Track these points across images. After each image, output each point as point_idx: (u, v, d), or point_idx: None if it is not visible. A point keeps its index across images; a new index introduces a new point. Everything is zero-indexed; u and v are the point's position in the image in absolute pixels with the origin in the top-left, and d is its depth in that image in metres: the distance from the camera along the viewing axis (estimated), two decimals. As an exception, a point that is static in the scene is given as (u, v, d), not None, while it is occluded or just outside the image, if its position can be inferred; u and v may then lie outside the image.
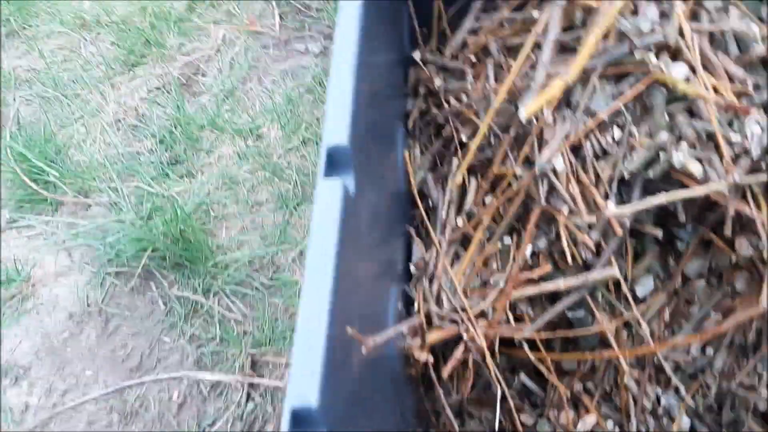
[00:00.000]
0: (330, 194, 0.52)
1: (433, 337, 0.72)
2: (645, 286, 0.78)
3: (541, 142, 0.75)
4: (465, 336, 0.71)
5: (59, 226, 1.37)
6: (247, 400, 1.16)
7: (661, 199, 0.70)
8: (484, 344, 0.70)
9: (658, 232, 0.75)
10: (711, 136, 0.70)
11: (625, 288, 0.74)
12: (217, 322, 1.24)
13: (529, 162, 0.77)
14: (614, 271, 0.72)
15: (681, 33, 0.74)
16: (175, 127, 1.45)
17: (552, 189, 0.75)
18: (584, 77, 0.76)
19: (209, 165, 1.41)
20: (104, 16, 1.63)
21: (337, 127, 0.55)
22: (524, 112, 0.71)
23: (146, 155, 1.42)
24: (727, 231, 0.69)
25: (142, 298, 1.28)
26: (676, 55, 0.75)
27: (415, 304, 0.77)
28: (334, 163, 0.54)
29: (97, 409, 1.19)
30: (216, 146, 1.44)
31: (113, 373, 1.22)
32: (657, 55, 0.75)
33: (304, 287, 0.48)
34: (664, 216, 0.76)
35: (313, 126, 1.44)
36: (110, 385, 1.21)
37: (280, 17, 1.61)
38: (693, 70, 0.74)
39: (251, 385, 1.17)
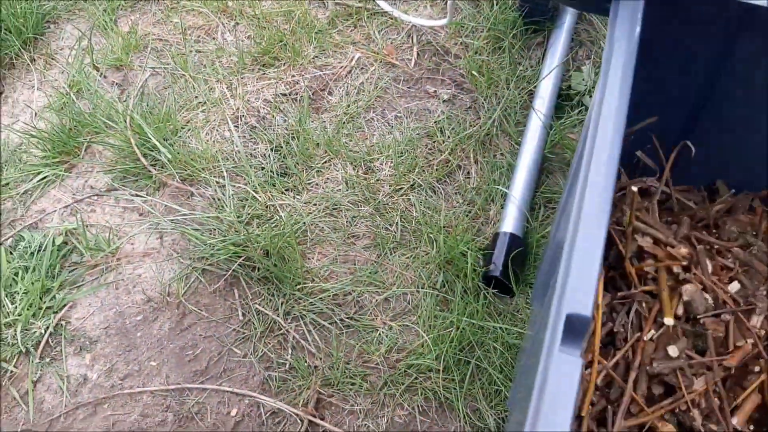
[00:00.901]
0: (567, 371, 0.48)
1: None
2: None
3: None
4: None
5: (158, 207, 1.37)
6: (302, 437, 1.14)
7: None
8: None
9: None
10: None
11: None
12: (290, 348, 1.22)
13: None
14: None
15: None
16: (293, 139, 1.44)
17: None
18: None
19: (316, 185, 1.40)
20: (248, 8, 1.63)
21: (582, 291, 0.51)
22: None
23: (258, 159, 1.41)
24: None
25: (223, 302, 1.26)
26: None
27: None
28: (573, 331, 0.50)
29: (153, 402, 1.18)
30: (327, 168, 1.42)
31: (177, 371, 1.20)
32: None
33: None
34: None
35: (426, 172, 1.41)
36: (172, 382, 1.19)
37: (418, 54, 1.60)
38: None
39: (311, 423, 1.15)
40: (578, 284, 0.53)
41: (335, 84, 1.54)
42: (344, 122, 1.48)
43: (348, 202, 1.38)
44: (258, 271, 1.27)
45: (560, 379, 0.48)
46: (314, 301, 1.25)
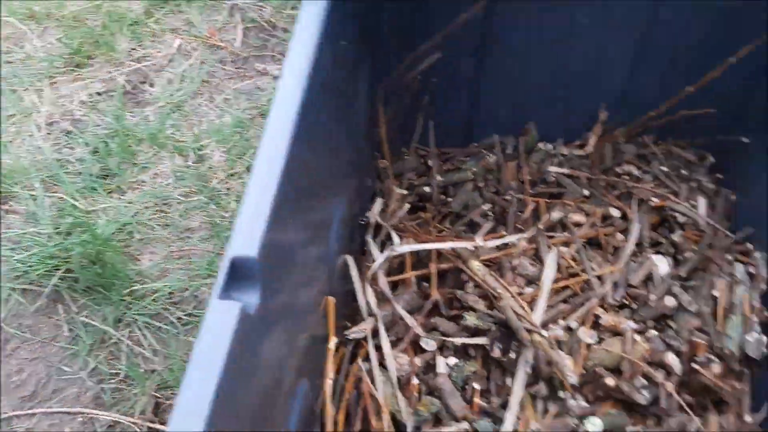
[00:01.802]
0: (224, 318, 0.44)
1: None
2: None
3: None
4: None
5: (-31, 231, 1.27)
6: (143, 447, 1.07)
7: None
8: None
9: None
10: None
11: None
12: (124, 357, 1.14)
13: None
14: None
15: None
16: (112, 138, 1.35)
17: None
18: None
19: (142, 182, 1.32)
20: (55, 10, 1.54)
21: (249, 233, 0.46)
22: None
23: (75, 165, 1.32)
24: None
25: (46, 320, 1.18)
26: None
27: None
28: (238, 276, 0.46)
29: (-22, 438, 1.09)
30: (153, 163, 1.34)
31: (4, 400, 1.11)
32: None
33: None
34: None
35: (261, 153, 1.35)
36: (-2, 413, 1.10)
37: (243, 33, 1.53)
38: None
39: (151, 430, 1.08)
40: (244, 227, 0.48)
41: (156, 75, 1.46)
42: (169, 113, 1.41)
43: (179, 194, 1.31)
44: (81, 282, 1.19)
45: (215, 327, 0.43)
46: (147, 303, 1.18)
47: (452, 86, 0.99)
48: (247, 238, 0.47)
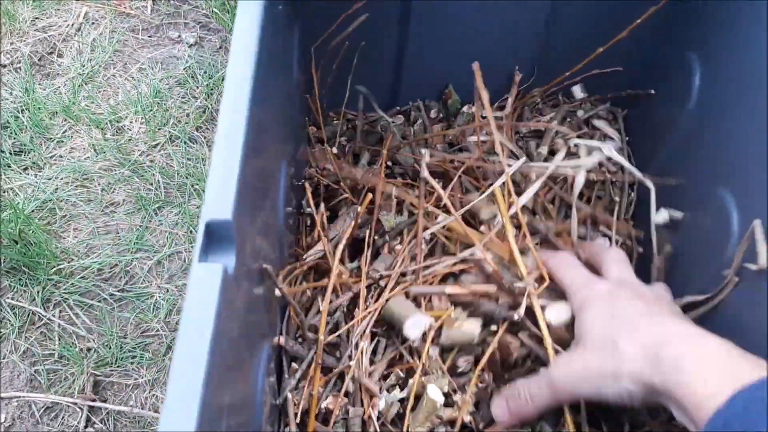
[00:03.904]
0: (207, 280, 0.45)
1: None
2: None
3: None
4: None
5: None
6: (86, 426, 1.06)
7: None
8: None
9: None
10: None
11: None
12: (56, 337, 1.11)
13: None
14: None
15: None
16: (22, 112, 1.29)
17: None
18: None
19: (59, 158, 1.27)
20: (-56, -24, 1.43)
21: (221, 196, 0.48)
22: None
23: (-16, 142, 1.26)
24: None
25: (-32, 305, 1.13)
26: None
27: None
28: (215, 239, 0.47)
29: None
30: (69, 137, 1.30)
31: (-73, 391, 1.07)
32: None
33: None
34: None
35: (182, 123, 1.33)
36: None
37: (153, 0, 1.48)
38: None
39: (91, 409, 1.07)
40: (216, 191, 0.49)
41: (64, 45, 1.40)
42: (81, 84, 1.35)
43: (99, 168, 1.27)
44: (4, 262, 1.14)
45: (199, 290, 0.45)
46: (76, 281, 1.15)
47: (378, 49, 1.01)
48: (220, 201, 0.48)
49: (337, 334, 0.68)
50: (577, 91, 1.05)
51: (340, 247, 0.73)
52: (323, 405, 0.63)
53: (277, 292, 0.65)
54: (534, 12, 0.98)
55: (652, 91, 0.94)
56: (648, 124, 0.99)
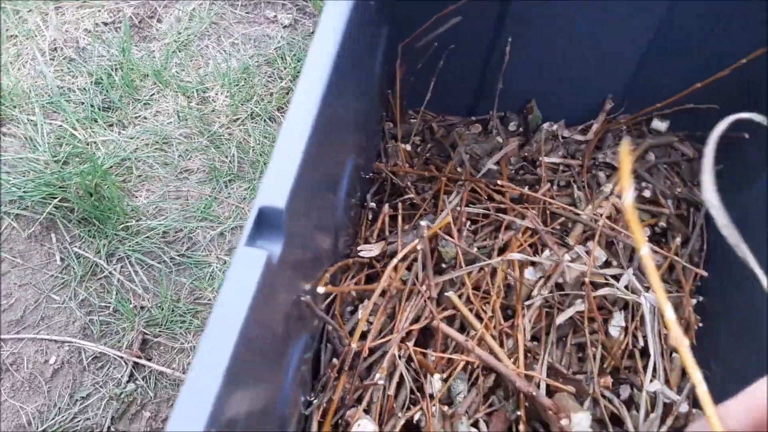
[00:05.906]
0: (250, 265, 0.45)
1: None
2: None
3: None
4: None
5: (-35, 150, 1.25)
6: (128, 380, 1.09)
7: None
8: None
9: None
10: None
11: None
12: (114, 291, 1.15)
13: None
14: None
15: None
16: (116, 71, 1.34)
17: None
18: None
19: (143, 119, 1.31)
20: (65, -68, 1.50)
21: (278, 184, 0.47)
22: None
23: (77, 94, 1.31)
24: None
25: (39, 248, 1.18)
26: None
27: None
28: (265, 225, 0.47)
29: (-37, 357, 1.10)
30: (156, 100, 1.33)
31: (-10, 322, 1.12)
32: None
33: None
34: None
35: (265, 101, 1.35)
36: (-17, 335, 1.11)
37: (255, -23, 1.51)
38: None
39: (136, 365, 1.10)
40: (274, 177, 0.49)
41: (165, 10, 1.44)
42: (175, 51, 1.39)
43: (180, 135, 1.30)
44: (77, 212, 1.19)
45: (240, 273, 0.44)
46: (141, 240, 1.19)
47: (466, 54, 0.99)
48: (276, 188, 0.48)
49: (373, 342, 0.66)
50: (659, 125, 1.01)
51: (394, 261, 0.71)
52: (347, 414, 0.62)
53: (318, 292, 0.64)
54: (631, 47, 0.95)
55: (746, 135, 0.88)
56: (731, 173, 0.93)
